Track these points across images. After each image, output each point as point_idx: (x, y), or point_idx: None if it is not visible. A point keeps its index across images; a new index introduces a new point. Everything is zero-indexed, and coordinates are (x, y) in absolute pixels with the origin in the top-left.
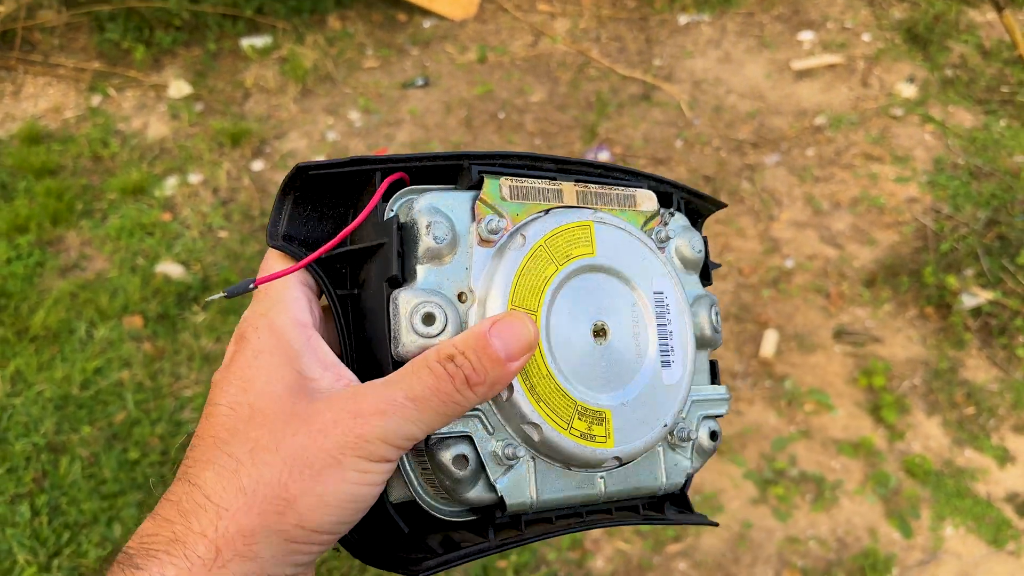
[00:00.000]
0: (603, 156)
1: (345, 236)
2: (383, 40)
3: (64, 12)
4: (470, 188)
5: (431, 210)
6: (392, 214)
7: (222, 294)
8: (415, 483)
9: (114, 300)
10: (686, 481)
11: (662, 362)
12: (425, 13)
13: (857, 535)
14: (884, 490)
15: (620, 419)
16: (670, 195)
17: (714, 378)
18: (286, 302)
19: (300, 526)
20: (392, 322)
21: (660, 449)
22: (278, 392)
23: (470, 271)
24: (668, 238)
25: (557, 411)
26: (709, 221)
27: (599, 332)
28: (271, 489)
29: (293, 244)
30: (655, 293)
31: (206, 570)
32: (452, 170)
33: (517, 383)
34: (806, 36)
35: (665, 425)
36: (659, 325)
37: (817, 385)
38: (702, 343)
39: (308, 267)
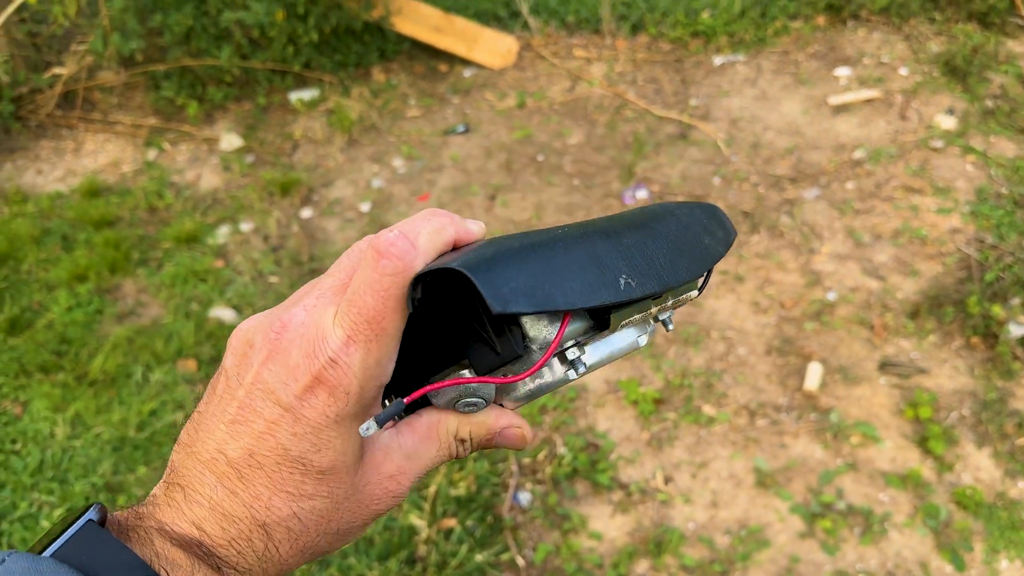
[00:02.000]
0: (641, 194)
1: (530, 374)
2: (425, 90)
3: (122, 72)
4: (593, 319)
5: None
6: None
7: (375, 427)
8: None
9: (169, 345)
10: None
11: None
12: (465, 63)
13: (908, 568)
14: (934, 522)
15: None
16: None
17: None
18: (383, 367)
19: (346, 535)
20: (445, 381)
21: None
22: (348, 464)
23: (526, 366)
24: (669, 320)
25: None
26: (748, 254)
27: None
28: (319, 548)
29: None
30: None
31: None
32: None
33: None
34: (842, 72)
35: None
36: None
37: (863, 417)
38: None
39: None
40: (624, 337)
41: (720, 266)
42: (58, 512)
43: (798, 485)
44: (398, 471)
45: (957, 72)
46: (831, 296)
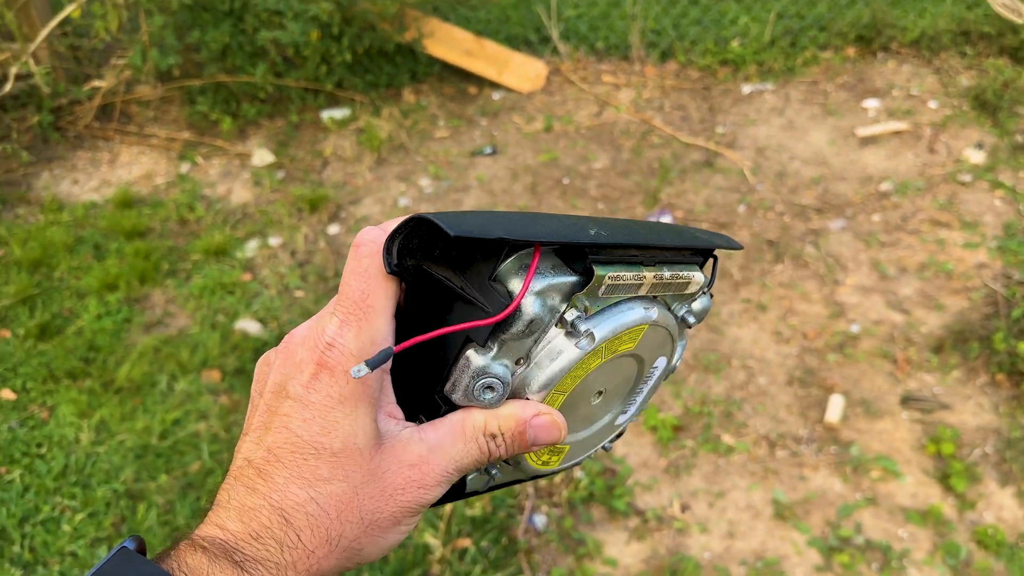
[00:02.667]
0: (665, 220)
1: (507, 315)
2: (454, 111)
3: (159, 87)
4: (576, 273)
5: (540, 304)
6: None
7: (366, 369)
8: None
9: (194, 355)
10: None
11: (623, 411)
12: (495, 86)
13: None
14: (954, 561)
15: (573, 449)
16: (710, 252)
17: None
18: (379, 344)
19: (359, 563)
20: (456, 372)
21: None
22: (360, 446)
23: (537, 343)
24: (690, 316)
25: (537, 452)
26: (772, 283)
27: (599, 393)
28: (348, 543)
29: (402, 260)
30: (652, 367)
31: (307, 556)
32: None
33: None
34: (871, 104)
35: (599, 447)
36: (638, 389)
37: (884, 451)
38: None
39: (407, 277)
40: (629, 309)
41: (743, 294)
42: (79, 517)
43: (816, 518)
44: (420, 460)
45: (987, 106)
46: (854, 328)
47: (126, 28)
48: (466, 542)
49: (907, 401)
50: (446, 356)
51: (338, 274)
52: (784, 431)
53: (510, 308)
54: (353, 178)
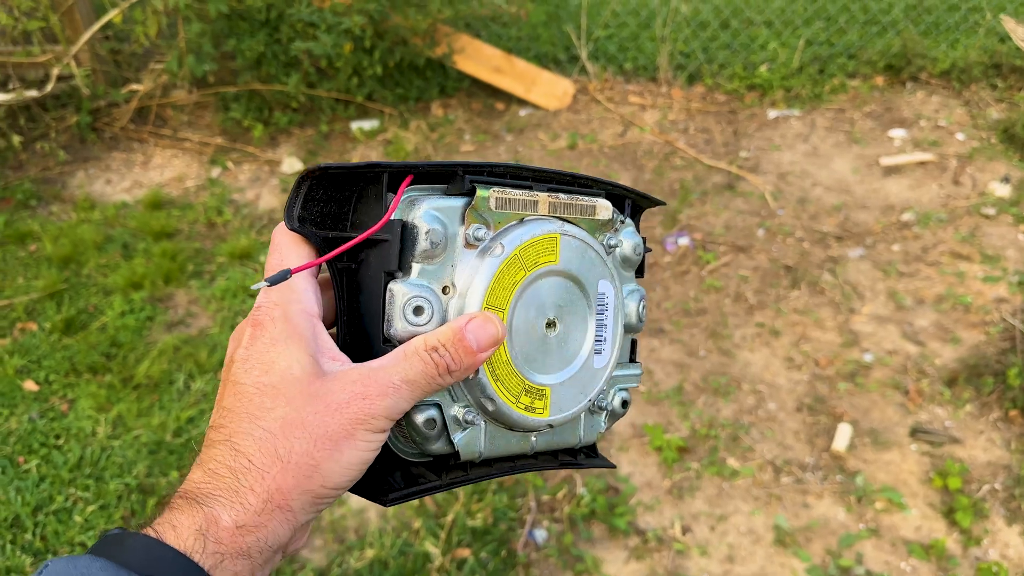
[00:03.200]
0: (683, 241)
1: (369, 235)
2: (481, 126)
3: (195, 92)
4: (462, 195)
5: (431, 217)
6: (397, 216)
7: (264, 283)
8: (397, 442)
9: (212, 355)
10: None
11: (595, 350)
12: (522, 103)
13: None
14: None
15: (556, 395)
16: (622, 198)
17: (632, 357)
18: (298, 292)
19: (323, 485)
20: (388, 308)
21: (582, 415)
22: (297, 375)
23: (455, 268)
24: (616, 244)
25: (509, 388)
26: (786, 309)
27: (551, 324)
28: (301, 457)
29: (305, 225)
30: (599, 294)
31: (256, 515)
32: (447, 176)
33: (482, 367)
34: (897, 133)
35: (589, 399)
36: (598, 320)
37: (890, 483)
38: (628, 329)
39: (315, 241)
40: (534, 222)
41: (757, 318)
42: (91, 509)
43: (817, 546)
44: (362, 377)
45: (1016, 140)
46: (867, 357)
47: (165, 34)
48: (466, 552)
49: (916, 433)
50: (383, 307)
51: None
52: (790, 457)
53: (384, 219)
54: None
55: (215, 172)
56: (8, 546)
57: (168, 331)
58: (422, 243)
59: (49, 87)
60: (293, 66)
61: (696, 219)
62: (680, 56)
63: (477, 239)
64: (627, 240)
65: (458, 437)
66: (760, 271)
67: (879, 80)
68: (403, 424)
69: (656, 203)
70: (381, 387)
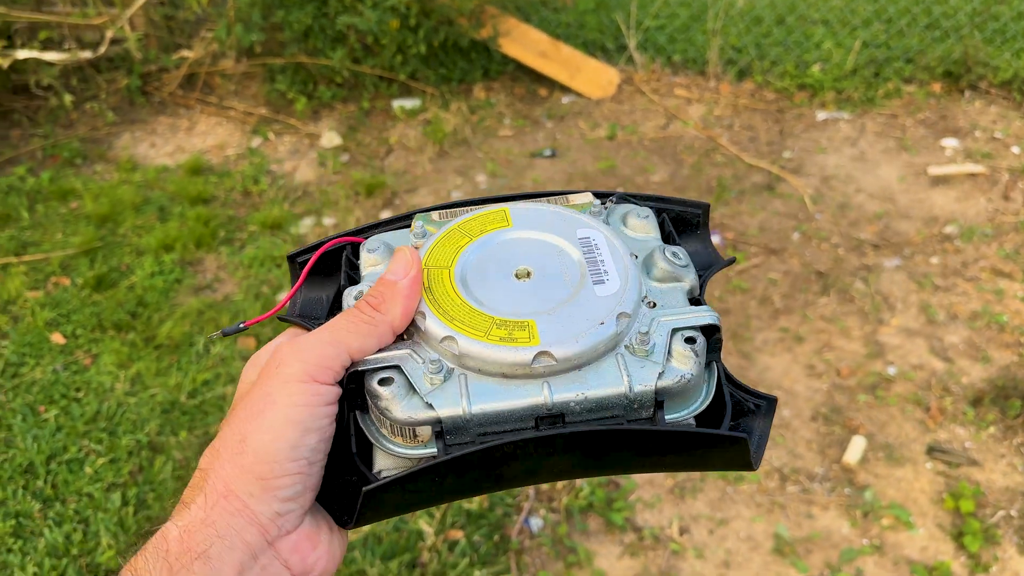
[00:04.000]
0: (714, 239)
1: (292, 294)
2: (521, 111)
3: (243, 62)
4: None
5: (373, 240)
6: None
7: (218, 334)
8: (375, 431)
9: (234, 321)
10: (683, 383)
11: (595, 281)
12: (565, 90)
13: None
14: None
15: (546, 323)
16: (657, 211)
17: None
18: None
19: (258, 459)
20: (342, 307)
21: (618, 357)
22: (252, 379)
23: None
24: (605, 219)
25: (473, 325)
26: (813, 315)
27: (522, 275)
28: (231, 439)
29: (303, 319)
30: (580, 239)
31: (201, 512)
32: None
33: (427, 308)
34: (950, 143)
35: (602, 323)
36: (587, 258)
37: (899, 500)
38: (665, 278)
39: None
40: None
41: (782, 323)
42: (101, 461)
43: (816, 559)
44: (291, 348)
45: None
46: (891, 371)
47: (216, 2)
48: (458, 534)
49: (933, 452)
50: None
51: None
52: (799, 466)
53: (290, 293)
54: (413, 167)
55: (256, 142)
56: (20, 491)
57: (194, 294)
58: (363, 254)
59: (103, 49)
60: (339, 41)
61: (730, 218)
62: (731, 50)
63: (419, 236)
64: (627, 213)
65: (432, 395)
66: (791, 275)
67: (936, 87)
68: (370, 404)
69: (695, 207)
70: (311, 340)
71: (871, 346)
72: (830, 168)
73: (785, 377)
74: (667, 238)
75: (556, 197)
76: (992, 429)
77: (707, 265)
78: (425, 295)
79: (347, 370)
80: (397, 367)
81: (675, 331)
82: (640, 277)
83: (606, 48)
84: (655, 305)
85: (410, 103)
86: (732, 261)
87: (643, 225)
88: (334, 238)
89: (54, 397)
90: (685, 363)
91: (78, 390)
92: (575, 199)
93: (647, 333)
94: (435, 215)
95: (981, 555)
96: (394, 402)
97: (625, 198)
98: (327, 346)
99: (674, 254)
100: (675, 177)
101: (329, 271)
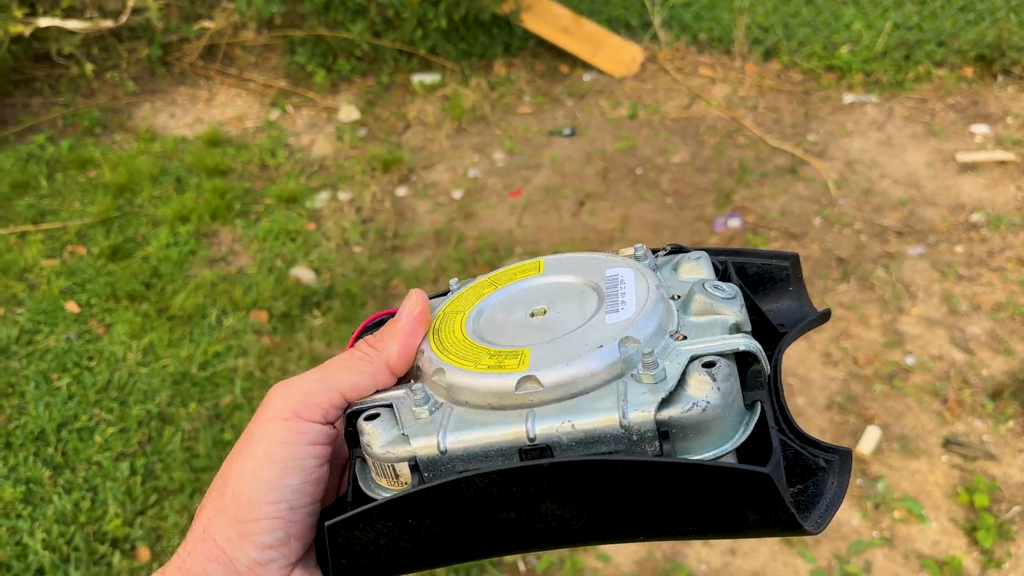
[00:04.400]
0: (733, 223)
1: None
2: (542, 88)
3: (264, 34)
4: None
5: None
6: None
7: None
8: (368, 475)
9: (247, 294)
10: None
11: (608, 311)
12: (587, 67)
13: None
14: None
15: (542, 351)
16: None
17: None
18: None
19: (235, 500)
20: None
21: (619, 384)
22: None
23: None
24: (653, 267)
25: (466, 357)
26: (832, 302)
27: (538, 313)
28: (217, 480)
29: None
30: (607, 276)
31: (181, 558)
32: None
33: (427, 344)
34: (980, 129)
35: (600, 347)
36: (608, 291)
37: (912, 492)
38: (703, 311)
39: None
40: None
41: None
42: (111, 431)
43: (825, 549)
44: (284, 388)
45: None
46: (909, 360)
47: None
48: None
49: (949, 444)
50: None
51: (397, 235)
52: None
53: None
54: (430, 143)
55: (274, 115)
56: (31, 458)
57: (208, 266)
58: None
59: (124, 18)
60: (360, 13)
61: (751, 201)
62: (758, 30)
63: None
64: (679, 262)
65: (409, 427)
66: (811, 260)
67: (968, 71)
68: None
69: (780, 258)
70: (286, 381)
71: (890, 335)
72: (855, 152)
73: (800, 364)
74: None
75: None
76: (1011, 423)
77: (797, 320)
78: (431, 336)
79: (344, 411)
80: (389, 405)
81: (695, 358)
82: (664, 306)
83: (630, 25)
84: (684, 338)
85: (429, 78)
86: (827, 315)
87: (694, 267)
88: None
89: (67, 365)
90: (701, 389)
91: (91, 359)
92: (625, 250)
93: (652, 352)
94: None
95: (994, 551)
96: (375, 437)
97: (682, 248)
98: (314, 382)
99: (716, 286)
100: (696, 158)
101: None
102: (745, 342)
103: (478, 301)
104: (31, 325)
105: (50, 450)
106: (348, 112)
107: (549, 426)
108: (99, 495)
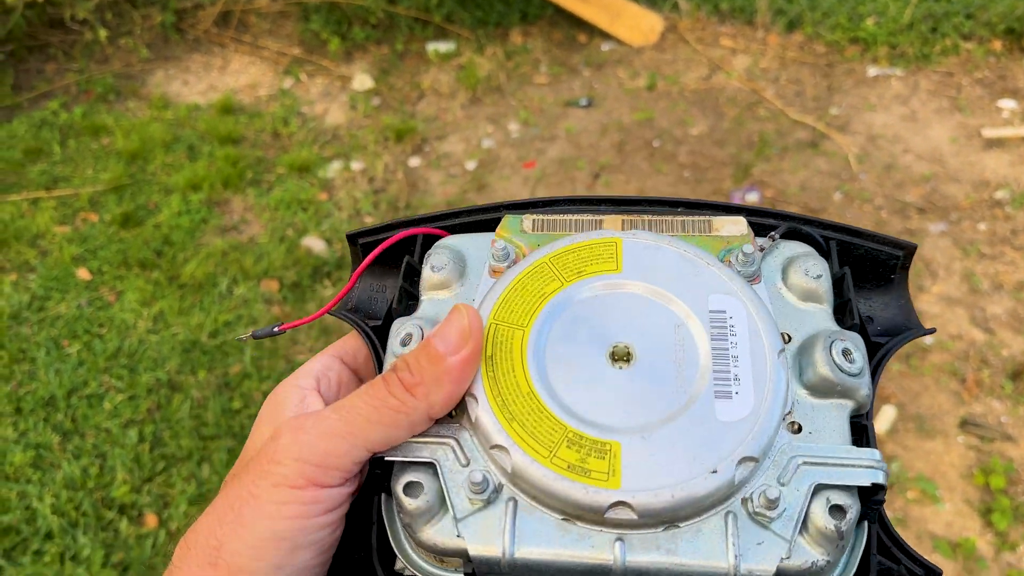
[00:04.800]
0: (751, 197)
1: (343, 295)
2: (558, 58)
3: (278, 0)
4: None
5: (439, 248)
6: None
7: (249, 335)
8: (398, 531)
9: (258, 263)
10: None
11: (718, 393)
12: (605, 37)
13: None
14: None
15: (636, 453)
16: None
17: (860, 443)
18: (301, 369)
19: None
20: (387, 350)
21: (728, 517)
22: (252, 456)
23: (475, 301)
24: (753, 270)
25: (537, 435)
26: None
27: (620, 356)
28: (204, 539)
29: (358, 315)
30: (712, 312)
31: None
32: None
33: (483, 393)
34: (1007, 104)
35: (714, 472)
36: (716, 348)
37: (927, 473)
38: (823, 390)
39: (362, 332)
40: (591, 232)
41: None
42: (120, 397)
43: None
44: (294, 418)
45: None
46: (928, 340)
47: None
48: None
49: (966, 425)
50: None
51: (409, 206)
52: None
53: (343, 291)
54: (444, 113)
55: (288, 83)
56: (41, 423)
57: (220, 235)
58: (424, 271)
59: None
60: None
61: (770, 175)
62: (782, 0)
63: (501, 260)
64: (792, 262)
65: (466, 521)
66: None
67: (996, 44)
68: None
69: (896, 246)
70: (299, 421)
71: None
72: (878, 127)
73: None
74: (840, 293)
75: (697, 217)
76: None
77: (897, 330)
78: (484, 370)
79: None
80: (432, 465)
81: (820, 488)
82: (787, 386)
83: None
84: (800, 429)
85: (444, 46)
86: (931, 332)
87: (811, 288)
88: (404, 226)
89: (77, 332)
90: (821, 546)
91: (101, 326)
92: (722, 225)
93: (778, 496)
94: (527, 222)
95: (1009, 533)
96: (419, 519)
97: (798, 231)
98: (337, 439)
99: (845, 352)
100: (715, 131)
101: (398, 259)
102: (877, 472)
103: (540, 309)
104: (43, 291)
105: (60, 416)
106: (362, 81)
107: (641, 560)
108: (107, 461)
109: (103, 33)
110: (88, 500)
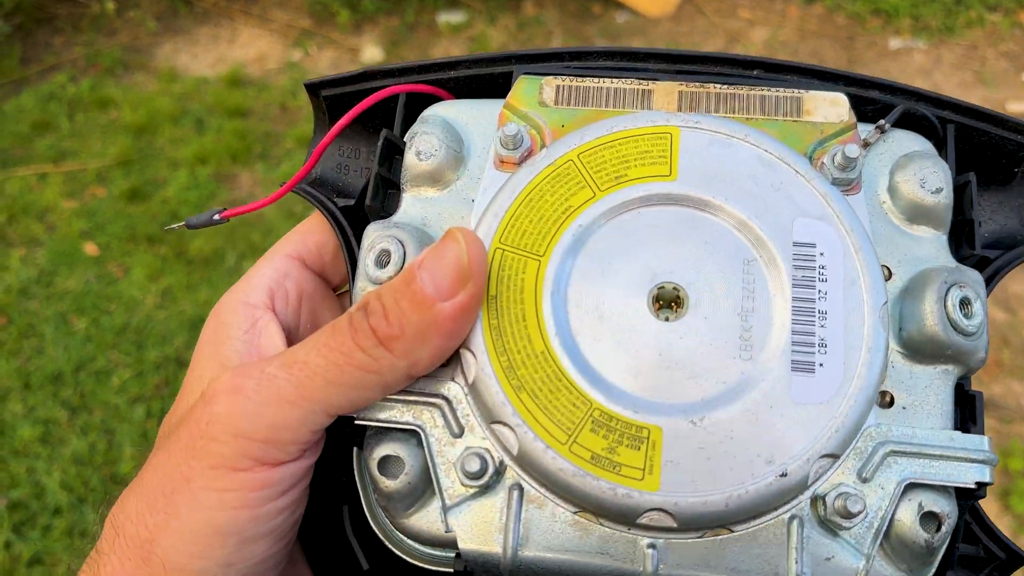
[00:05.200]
0: None
1: (305, 173)
2: (572, 29)
3: None
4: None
5: (427, 123)
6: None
7: (183, 224)
8: (379, 517)
9: (266, 239)
10: None
11: (795, 364)
12: (621, 7)
13: None
14: None
15: (680, 446)
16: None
17: (965, 420)
18: (248, 278)
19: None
20: (357, 266)
21: (793, 524)
22: (191, 401)
23: (476, 202)
24: (853, 174)
25: (552, 411)
26: None
27: (668, 302)
28: (133, 527)
29: (324, 190)
30: (797, 245)
31: None
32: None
33: (483, 349)
34: None
35: (784, 476)
36: (798, 299)
37: None
38: (928, 353)
39: (328, 216)
40: (637, 115)
41: None
42: (128, 373)
43: None
44: (235, 371)
45: None
46: None
47: None
48: None
49: (985, 406)
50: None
51: None
52: None
53: (307, 164)
54: None
55: (296, 55)
56: (49, 399)
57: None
58: (407, 157)
59: None
60: None
61: None
62: None
63: (511, 147)
64: (903, 165)
65: (456, 510)
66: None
67: (1022, 16)
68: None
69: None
70: (237, 380)
71: None
72: None
73: None
74: (960, 209)
75: (784, 92)
76: None
77: (1012, 240)
78: (486, 315)
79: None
80: (415, 433)
81: (911, 487)
82: (887, 353)
83: None
84: (892, 402)
85: (455, 17)
86: None
87: (928, 205)
88: (381, 77)
89: (85, 308)
90: (905, 561)
91: (109, 301)
92: (816, 106)
93: (862, 508)
94: (548, 90)
95: None
96: (400, 503)
97: (913, 113)
98: (286, 407)
99: (964, 303)
100: None
101: (377, 121)
102: (984, 467)
103: (563, 231)
104: (50, 266)
105: (67, 392)
106: (371, 53)
107: (683, 575)
108: (115, 437)
109: (111, 6)
110: (96, 476)
